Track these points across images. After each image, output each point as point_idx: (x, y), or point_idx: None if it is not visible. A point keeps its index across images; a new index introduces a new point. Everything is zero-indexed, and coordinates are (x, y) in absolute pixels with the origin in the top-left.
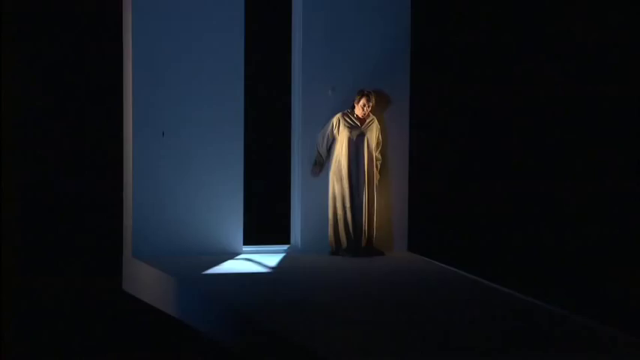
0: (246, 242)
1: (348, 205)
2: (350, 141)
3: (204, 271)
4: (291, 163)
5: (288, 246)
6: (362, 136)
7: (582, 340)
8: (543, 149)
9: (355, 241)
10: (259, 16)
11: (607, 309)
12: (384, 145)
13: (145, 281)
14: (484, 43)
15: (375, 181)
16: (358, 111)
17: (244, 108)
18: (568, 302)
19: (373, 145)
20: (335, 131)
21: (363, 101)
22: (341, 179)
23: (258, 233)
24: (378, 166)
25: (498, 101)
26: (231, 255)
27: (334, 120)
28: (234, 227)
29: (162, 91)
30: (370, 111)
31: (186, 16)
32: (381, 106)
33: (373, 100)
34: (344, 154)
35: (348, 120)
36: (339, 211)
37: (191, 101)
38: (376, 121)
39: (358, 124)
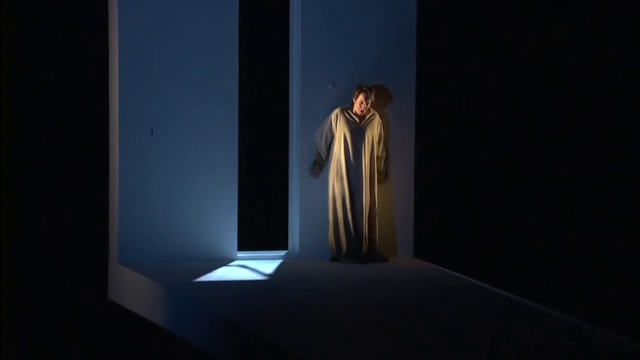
0: (241, 248)
1: (348, 206)
2: (350, 138)
3: (195, 278)
4: (289, 163)
5: (285, 251)
6: (362, 132)
7: (592, 350)
8: (557, 150)
9: (356, 245)
10: (255, 6)
11: (621, 319)
12: (388, 142)
13: (132, 290)
14: (496, 34)
15: (377, 181)
16: (356, 107)
17: (239, 104)
18: (578, 310)
19: (375, 141)
20: (334, 128)
21: (361, 97)
22: (341, 179)
23: (253, 238)
24: (381, 164)
25: (512, 99)
26: (225, 261)
27: (332, 116)
28: (227, 232)
29: (150, 86)
30: (370, 107)
31: (177, 5)
32: (384, 101)
33: (372, 96)
34: (343, 152)
35: (348, 116)
36: (340, 213)
37: (182, 97)
38: (377, 116)
39: (358, 120)
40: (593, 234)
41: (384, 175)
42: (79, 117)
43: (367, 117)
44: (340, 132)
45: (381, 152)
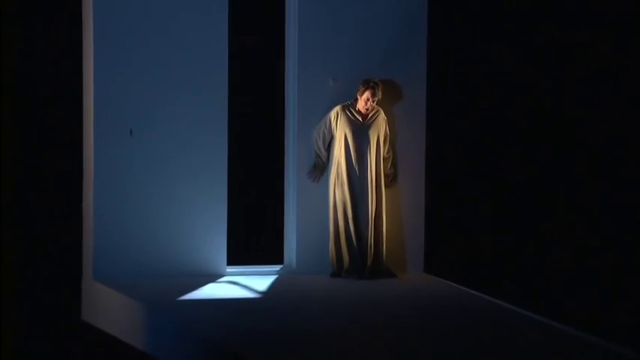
0: (231, 262)
1: (350, 215)
2: (351, 138)
3: (179, 296)
4: (284, 167)
5: (280, 266)
6: (366, 132)
7: None
8: (577, 155)
9: (360, 259)
10: None
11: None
12: (396, 145)
13: (109, 309)
14: (513, 24)
15: (384, 187)
16: (361, 105)
17: (228, 102)
18: (595, 327)
19: (380, 141)
20: (333, 127)
21: (367, 94)
22: (342, 184)
23: (244, 251)
24: (387, 166)
25: (529, 96)
26: (213, 277)
27: (332, 114)
28: (215, 244)
29: (129, 81)
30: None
31: None
32: (391, 98)
33: (379, 93)
34: (344, 155)
35: (349, 114)
36: (341, 223)
37: (165, 93)
38: (382, 113)
39: (361, 118)
40: (612, 248)
41: (391, 178)
42: (50, 117)
43: (371, 114)
44: (341, 132)
45: (387, 153)
